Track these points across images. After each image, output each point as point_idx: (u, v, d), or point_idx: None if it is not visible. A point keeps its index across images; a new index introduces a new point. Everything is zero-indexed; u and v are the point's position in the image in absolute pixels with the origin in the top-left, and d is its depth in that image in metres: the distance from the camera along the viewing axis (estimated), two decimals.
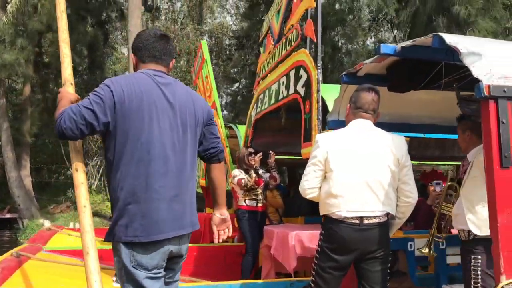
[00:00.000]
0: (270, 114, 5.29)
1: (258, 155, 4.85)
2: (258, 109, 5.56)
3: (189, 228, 2.09)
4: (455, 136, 3.06)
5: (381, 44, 2.76)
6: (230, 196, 5.12)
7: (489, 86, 2.07)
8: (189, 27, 20.40)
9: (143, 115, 1.98)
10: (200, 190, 8.60)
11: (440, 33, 2.32)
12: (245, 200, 4.85)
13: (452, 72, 3.08)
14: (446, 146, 6.55)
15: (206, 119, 2.22)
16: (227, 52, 22.50)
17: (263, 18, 10.19)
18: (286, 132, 7.00)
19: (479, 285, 2.53)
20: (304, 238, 4.47)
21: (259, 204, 4.87)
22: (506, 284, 2.01)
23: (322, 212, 2.70)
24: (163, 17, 22.63)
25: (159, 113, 2.02)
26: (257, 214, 4.86)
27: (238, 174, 4.91)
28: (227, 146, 6.11)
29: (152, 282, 1.96)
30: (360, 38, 16.74)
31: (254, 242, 4.70)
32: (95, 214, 13.71)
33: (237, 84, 23.13)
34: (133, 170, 1.95)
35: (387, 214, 2.59)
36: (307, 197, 2.76)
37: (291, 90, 4.41)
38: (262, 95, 5.52)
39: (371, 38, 19.05)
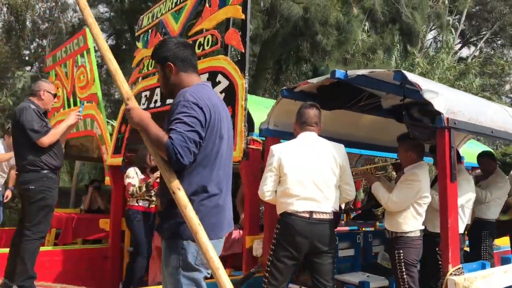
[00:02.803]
0: (160, 113, 5.19)
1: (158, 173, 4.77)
2: (142, 106, 5.37)
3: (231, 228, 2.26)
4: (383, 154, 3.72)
5: (336, 69, 3.19)
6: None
7: (447, 119, 2.70)
8: None
9: (216, 126, 2.11)
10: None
11: (402, 70, 2.87)
12: (137, 200, 4.66)
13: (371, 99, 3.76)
14: None
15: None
16: None
17: None
18: None
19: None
20: None
21: (152, 205, 4.74)
22: (454, 270, 2.65)
23: (279, 211, 3.09)
24: None
25: (223, 124, 2.17)
26: (149, 215, 4.72)
27: (133, 175, 4.70)
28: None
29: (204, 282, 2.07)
30: None
31: (148, 243, 4.57)
32: None
33: None
34: (204, 176, 2.07)
35: (332, 212, 3.04)
36: (265, 199, 3.16)
37: None
38: (148, 92, 5.36)
39: None
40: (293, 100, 3.67)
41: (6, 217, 8.34)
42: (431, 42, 18.15)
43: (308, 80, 3.52)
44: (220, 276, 1.90)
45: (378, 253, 4.72)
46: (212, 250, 1.92)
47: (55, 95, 4.02)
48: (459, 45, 21.72)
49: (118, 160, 5.54)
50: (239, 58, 4.28)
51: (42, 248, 5.44)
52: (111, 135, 5.91)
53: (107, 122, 5.95)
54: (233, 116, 4.06)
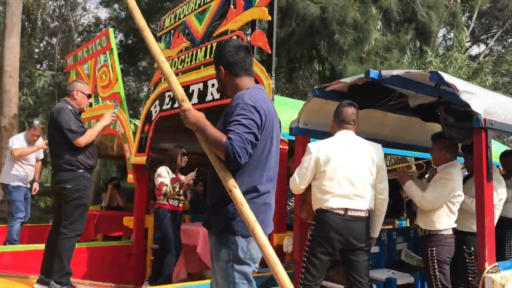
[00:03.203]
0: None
1: (192, 175, 4.85)
2: (166, 106, 5.44)
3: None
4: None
5: (370, 69, 3.24)
6: None
7: (484, 119, 2.75)
8: None
9: (269, 128, 2.20)
10: None
11: (439, 72, 2.92)
12: (167, 199, 4.74)
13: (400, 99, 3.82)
14: None
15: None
16: None
17: None
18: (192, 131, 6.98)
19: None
20: None
21: (180, 204, 4.83)
22: (490, 268, 2.70)
23: (315, 206, 3.17)
24: None
25: (274, 126, 2.26)
26: (178, 214, 4.81)
27: (165, 175, 4.79)
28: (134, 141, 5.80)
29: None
30: None
31: (177, 241, 4.65)
32: None
33: None
34: (255, 176, 2.16)
35: (368, 210, 3.09)
36: (298, 192, 3.30)
37: None
38: (171, 92, 5.42)
39: None
40: (324, 99, 3.73)
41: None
42: (441, 41, 18.10)
43: (341, 80, 3.57)
44: (279, 271, 1.97)
45: (401, 250, 4.78)
46: (269, 246, 1.99)
47: (89, 95, 4.10)
48: (469, 43, 21.62)
49: (142, 159, 5.62)
50: (264, 59, 4.35)
51: None
52: (133, 133, 5.98)
53: (130, 121, 6.01)
54: None
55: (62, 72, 14.45)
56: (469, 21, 14.65)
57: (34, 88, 11.36)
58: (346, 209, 3.02)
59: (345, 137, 3.18)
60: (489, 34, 22.62)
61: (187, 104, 2.20)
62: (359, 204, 3.04)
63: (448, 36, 19.03)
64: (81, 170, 3.75)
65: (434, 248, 3.26)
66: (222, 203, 2.14)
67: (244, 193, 2.10)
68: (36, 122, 6.30)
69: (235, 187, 2.05)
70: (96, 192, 8.73)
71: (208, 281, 3.75)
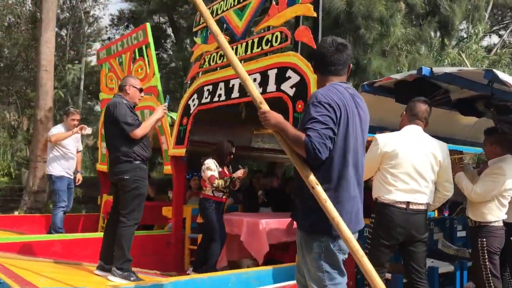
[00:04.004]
0: (220, 107, 5.41)
1: (243, 171, 4.99)
2: (205, 100, 5.60)
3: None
4: None
5: (422, 66, 3.37)
6: None
7: None
8: None
9: (347, 123, 2.25)
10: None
11: (494, 70, 3.04)
12: (213, 191, 4.91)
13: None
14: None
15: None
16: None
17: None
18: (229, 124, 7.18)
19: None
20: (273, 225, 4.84)
21: (224, 196, 5.00)
22: None
23: (375, 194, 3.28)
24: None
25: (355, 123, 2.31)
26: (221, 205, 4.98)
27: (214, 168, 4.94)
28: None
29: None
30: None
31: (222, 230, 4.82)
32: None
33: None
34: (336, 170, 2.23)
35: (427, 204, 3.24)
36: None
37: (271, 88, 4.68)
38: (210, 86, 5.57)
39: None
40: (372, 94, 3.87)
41: (53, 203, 8.65)
42: (457, 33, 18.02)
43: (391, 76, 3.71)
44: (365, 263, 2.11)
45: (437, 240, 4.94)
46: (354, 240, 2.12)
47: (141, 89, 4.26)
48: (481, 34, 21.53)
49: (180, 151, 5.80)
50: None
51: (100, 235, 5.79)
52: (171, 126, 6.15)
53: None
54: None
55: (72, 63, 14.61)
56: (484, 12, 14.62)
57: (65, 81, 11.58)
58: (408, 203, 3.13)
59: (414, 133, 3.28)
60: (501, 25, 22.52)
61: (266, 106, 2.30)
62: (420, 198, 3.17)
63: (461, 27, 18.96)
64: (137, 162, 3.92)
65: (485, 239, 3.40)
66: (309, 201, 2.24)
67: (328, 188, 2.19)
68: (71, 108, 6.46)
69: (317, 184, 2.16)
70: None
71: (246, 270, 3.95)
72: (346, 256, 2.30)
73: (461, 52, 11.71)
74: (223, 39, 2.64)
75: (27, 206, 8.03)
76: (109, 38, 13.64)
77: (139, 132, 3.89)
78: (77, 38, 17.68)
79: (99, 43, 18.65)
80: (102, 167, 7.56)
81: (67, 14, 17.92)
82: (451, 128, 5.18)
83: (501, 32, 21.78)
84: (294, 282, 3.34)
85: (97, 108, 16.67)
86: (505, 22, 22.08)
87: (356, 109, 2.34)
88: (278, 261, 5.06)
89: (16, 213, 7.81)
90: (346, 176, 2.26)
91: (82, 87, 11.67)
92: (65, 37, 17.37)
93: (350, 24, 7.84)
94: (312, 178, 2.18)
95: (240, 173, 4.97)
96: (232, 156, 5.17)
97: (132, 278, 3.78)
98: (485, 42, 21.55)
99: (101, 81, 7.81)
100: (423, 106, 3.30)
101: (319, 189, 2.16)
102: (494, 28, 22.57)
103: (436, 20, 9.01)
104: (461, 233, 5.21)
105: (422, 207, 3.18)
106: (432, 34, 9.88)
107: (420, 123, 3.30)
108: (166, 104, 4.38)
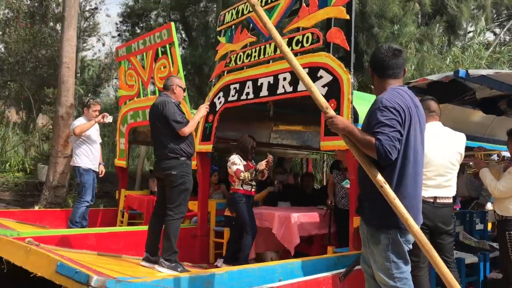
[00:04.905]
0: (247, 105, 5.59)
1: (266, 161, 5.16)
2: (232, 98, 5.76)
3: None
4: None
5: (459, 69, 3.58)
6: None
7: None
8: None
9: (410, 125, 2.44)
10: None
11: None
12: (242, 185, 5.10)
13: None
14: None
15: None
16: None
17: None
18: (248, 121, 7.35)
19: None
20: (303, 219, 5.06)
21: (253, 189, 5.19)
22: None
23: None
24: None
25: (415, 124, 2.49)
26: (251, 198, 5.17)
27: (238, 162, 5.12)
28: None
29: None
30: None
31: (253, 223, 5.01)
32: None
33: None
34: (403, 170, 2.43)
35: (453, 197, 3.47)
36: None
37: (301, 87, 4.86)
38: (237, 85, 5.73)
39: None
40: None
41: (72, 198, 8.79)
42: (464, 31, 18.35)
43: (427, 77, 3.91)
44: (434, 256, 2.32)
45: (458, 232, 5.18)
46: (421, 233, 2.32)
47: (185, 89, 4.43)
48: (482, 32, 21.85)
49: (206, 147, 5.98)
50: (341, 55, 4.68)
51: (140, 228, 5.95)
52: None
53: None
54: (338, 108, 4.47)
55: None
56: (490, 12, 14.93)
57: (83, 77, 11.66)
58: (435, 197, 3.36)
59: (437, 129, 3.50)
60: (495, 23, 22.88)
61: (332, 111, 2.47)
62: (447, 192, 3.40)
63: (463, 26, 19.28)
64: (183, 158, 4.10)
65: (511, 232, 3.65)
66: (377, 199, 2.40)
67: (395, 187, 2.38)
68: (91, 100, 6.45)
69: (384, 183, 2.35)
70: (143, 178, 9.06)
71: (291, 260, 4.14)
72: (411, 246, 2.49)
73: (468, 50, 11.99)
74: (286, 49, 2.73)
75: (47, 200, 8.14)
76: (119, 35, 13.71)
77: (187, 130, 4.07)
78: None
79: (95, 37, 18.67)
80: (121, 162, 7.71)
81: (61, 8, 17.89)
82: (469, 125, 5.42)
83: (496, 30, 22.15)
84: (332, 272, 3.61)
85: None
86: (499, 20, 22.45)
87: (415, 110, 2.52)
88: (304, 253, 5.28)
89: (36, 207, 7.90)
90: (409, 174, 2.45)
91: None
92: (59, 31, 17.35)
93: (364, 23, 8.04)
94: (380, 177, 2.36)
95: (263, 164, 5.14)
96: (254, 150, 5.35)
97: (179, 269, 3.96)
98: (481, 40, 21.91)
99: (120, 78, 7.94)
100: (435, 104, 3.55)
101: (387, 188, 2.34)
102: (488, 26, 22.94)
103: (444, 20, 9.24)
104: (479, 226, 5.47)
105: (448, 201, 3.41)
106: (438, 32, 10.12)
107: (438, 119, 3.54)
108: (208, 102, 4.55)
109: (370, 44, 8.04)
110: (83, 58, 17.94)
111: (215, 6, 9.31)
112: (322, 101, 2.53)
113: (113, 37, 14.65)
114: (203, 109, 4.39)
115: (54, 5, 17.44)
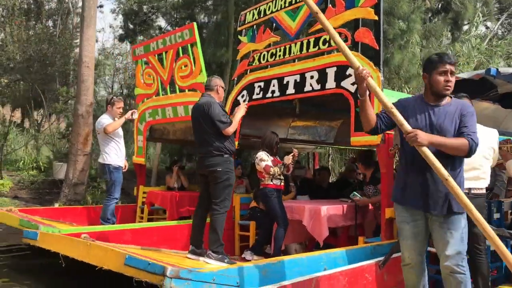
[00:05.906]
0: (269, 103, 5.78)
1: (292, 155, 5.36)
2: (256, 96, 5.93)
3: None
4: None
5: (490, 67, 3.83)
6: None
7: None
8: None
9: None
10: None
11: None
12: (271, 179, 5.30)
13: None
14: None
15: None
16: None
17: None
18: (266, 117, 7.54)
19: None
20: (332, 211, 5.28)
21: (282, 183, 5.41)
22: None
23: None
24: None
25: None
26: (280, 192, 5.39)
27: (266, 158, 5.32)
28: None
29: None
30: None
31: (284, 216, 5.22)
32: None
33: None
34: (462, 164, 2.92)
35: (486, 188, 3.72)
36: None
37: (330, 85, 5.06)
38: (262, 83, 5.91)
39: None
40: None
41: (90, 195, 8.95)
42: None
43: (458, 75, 4.14)
44: (494, 237, 2.59)
45: None
46: (484, 221, 2.61)
47: (225, 90, 4.62)
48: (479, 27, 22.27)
49: None
50: (369, 54, 4.88)
51: (169, 223, 6.13)
52: None
53: None
54: None
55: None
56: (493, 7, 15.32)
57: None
58: (469, 189, 3.59)
59: None
60: (487, 17, 23.36)
61: (408, 127, 2.73)
62: (480, 184, 3.66)
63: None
64: (227, 155, 4.30)
65: None
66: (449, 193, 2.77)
67: (458, 176, 2.78)
68: (115, 97, 6.51)
69: (449, 177, 2.62)
70: (158, 175, 9.22)
71: (334, 250, 4.37)
72: None
73: (470, 43, 12.33)
74: (349, 55, 3.03)
75: (67, 198, 8.27)
76: (125, 32, 13.74)
77: (231, 129, 4.27)
78: (66, 28, 17.59)
79: None
80: (139, 159, 7.86)
81: (53, 5, 17.84)
82: (482, 118, 5.68)
83: (488, 23, 22.60)
84: (373, 260, 3.85)
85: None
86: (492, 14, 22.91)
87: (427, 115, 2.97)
88: (331, 244, 5.52)
89: (56, 205, 8.03)
90: (462, 164, 2.90)
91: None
92: (52, 28, 17.28)
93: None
94: (444, 171, 2.64)
95: (290, 158, 5.35)
96: (278, 146, 5.55)
97: (226, 261, 4.17)
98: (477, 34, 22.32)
99: (137, 77, 8.07)
100: (469, 101, 3.72)
101: (451, 180, 2.62)
102: (484, 18, 23.40)
103: (449, 17, 9.53)
104: (496, 215, 5.73)
105: (482, 191, 3.67)
106: (447, 29, 10.42)
107: None
108: (247, 102, 4.74)
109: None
110: (75, 55, 17.88)
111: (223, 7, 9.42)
112: (400, 118, 2.80)
113: (119, 39, 14.62)
114: (243, 108, 4.59)
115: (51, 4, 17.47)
